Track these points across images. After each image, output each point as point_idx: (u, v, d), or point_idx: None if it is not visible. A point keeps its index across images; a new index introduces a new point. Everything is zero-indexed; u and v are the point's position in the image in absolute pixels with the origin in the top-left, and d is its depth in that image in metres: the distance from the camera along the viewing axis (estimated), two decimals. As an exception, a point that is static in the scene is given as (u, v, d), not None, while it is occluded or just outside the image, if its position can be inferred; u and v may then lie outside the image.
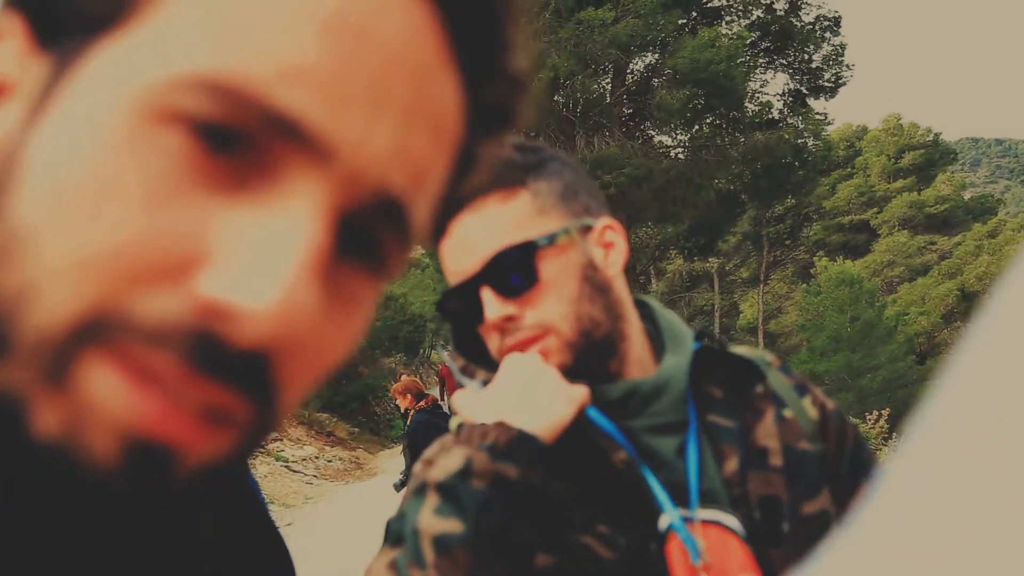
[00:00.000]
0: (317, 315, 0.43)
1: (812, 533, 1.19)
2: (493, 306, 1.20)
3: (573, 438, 1.20)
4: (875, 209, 47.75)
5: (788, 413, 1.29)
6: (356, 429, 24.72)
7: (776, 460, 1.23)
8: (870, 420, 16.88)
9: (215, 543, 0.68)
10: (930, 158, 48.35)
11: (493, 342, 1.25)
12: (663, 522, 1.17)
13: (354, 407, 27.31)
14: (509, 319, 1.20)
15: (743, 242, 43.20)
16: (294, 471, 18.83)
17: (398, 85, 0.44)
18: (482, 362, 1.34)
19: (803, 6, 22.02)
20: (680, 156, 22.36)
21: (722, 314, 44.74)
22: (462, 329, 1.33)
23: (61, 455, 0.39)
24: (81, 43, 0.43)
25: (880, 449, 15.71)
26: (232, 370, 0.41)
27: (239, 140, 0.41)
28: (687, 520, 1.18)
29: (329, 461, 21.47)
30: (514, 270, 1.19)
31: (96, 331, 0.39)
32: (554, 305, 1.20)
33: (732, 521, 1.18)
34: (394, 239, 0.47)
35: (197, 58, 0.41)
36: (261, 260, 0.40)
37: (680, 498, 1.19)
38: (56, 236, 0.39)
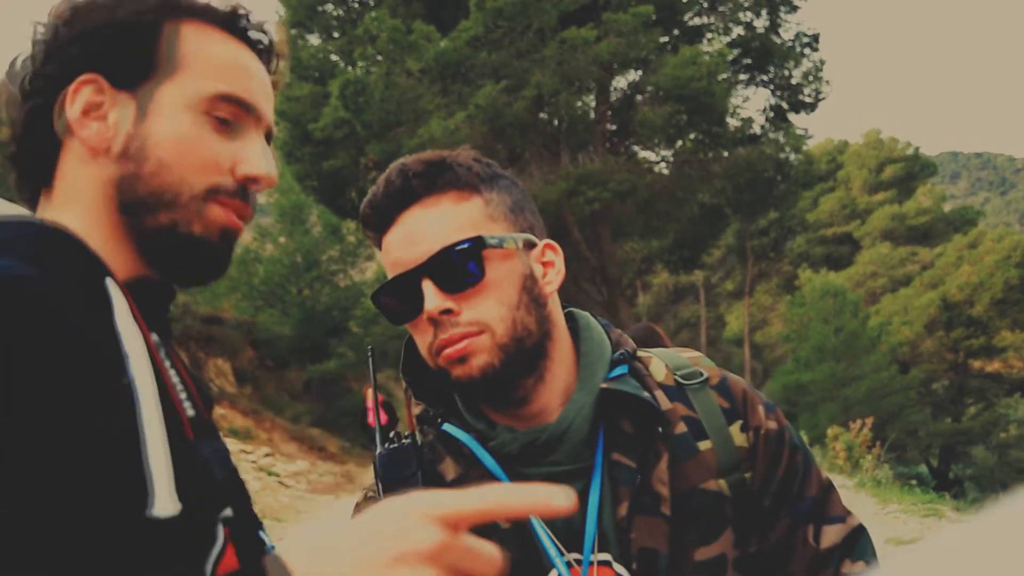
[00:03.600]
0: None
1: None
2: (433, 298, 1.22)
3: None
4: (857, 221, 48.06)
5: (704, 445, 1.28)
6: (347, 443, 24.79)
7: (666, 509, 1.22)
8: (854, 429, 17.04)
9: None
10: (910, 171, 48.69)
11: (424, 338, 1.27)
12: None
13: (345, 422, 27.30)
14: (447, 312, 1.22)
15: (728, 255, 43.48)
16: (286, 486, 18.89)
17: (267, 90, 1.14)
18: (423, 385, 1.37)
19: (782, 24, 22.30)
20: (664, 171, 22.61)
21: (708, 326, 44.97)
22: (409, 347, 1.37)
23: (202, 241, 1.06)
24: (150, 86, 1.06)
25: (864, 457, 15.90)
26: (250, 196, 1.10)
27: (231, 118, 1.08)
28: (580, 564, 1.21)
29: (320, 475, 21.52)
30: (461, 264, 1.22)
31: (207, 195, 1.05)
32: (493, 306, 1.22)
33: (620, 568, 1.21)
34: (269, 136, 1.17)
35: (209, 87, 1.06)
36: (262, 158, 1.10)
37: (576, 544, 1.22)
38: (180, 162, 1.04)
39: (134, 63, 1.05)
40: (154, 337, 0.99)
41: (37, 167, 1.08)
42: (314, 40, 22.20)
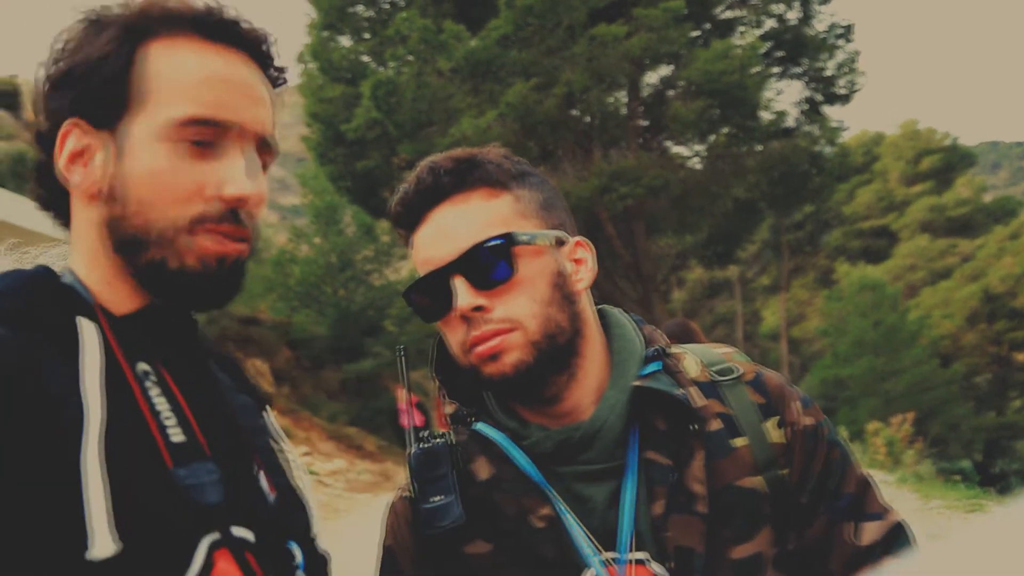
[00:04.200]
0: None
1: None
2: (464, 295, 1.21)
3: (496, 498, 1.25)
4: (895, 214, 47.52)
5: (739, 442, 1.26)
6: (384, 442, 24.93)
7: (701, 507, 1.21)
8: (894, 424, 16.86)
9: None
10: (949, 162, 48.08)
11: (456, 335, 1.26)
12: None
13: (381, 420, 27.46)
14: (478, 309, 1.22)
15: (763, 250, 43.14)
16: (324, 484, 19.04)
17: (253, 94, 1.08)
18: (455, 384, 1.37)
19: (815, 15, 22.07)
20: (697, 166, 22.48)
21: (744, 321, 44.66)
22: (440, 346, 1.37)
23: (198, 273, 1.02)
24: (122, 122, 1.03)
25: (905, 452, 15.71)
26: (242, 221, 1.05)
27: (208, 139, 1.03)
28: (616, 563, 1.20)
29: (358, 474, 21.68)
30: (492, 261, 1.21)
31: (192, 226, 1.01)
32: (525, 303, 1.22)
33: (657, 566, 1.20)
34: (267, 154, 1.12)
35: (175, 112, 1.02)
36: (244, 177, 1.04)
37: (611, 543, 1.21)
38: (158, 197, 1.01)
39: (108, 100, 1.03)
40: (144, 366, 0.99)
41: (57, 213, 1.12)
42: (345, 41, 22.31)
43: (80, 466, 0.82)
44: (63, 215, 1.11)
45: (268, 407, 1.24)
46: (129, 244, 1.03)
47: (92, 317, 0.98)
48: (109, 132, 1.03)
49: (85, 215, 1.06)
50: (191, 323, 1.13)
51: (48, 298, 0.98)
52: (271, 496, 1.08)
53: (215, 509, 0.94)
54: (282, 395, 28.47)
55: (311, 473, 18.88)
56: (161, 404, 0.97)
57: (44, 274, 1.03)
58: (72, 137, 1.04)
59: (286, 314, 31.28)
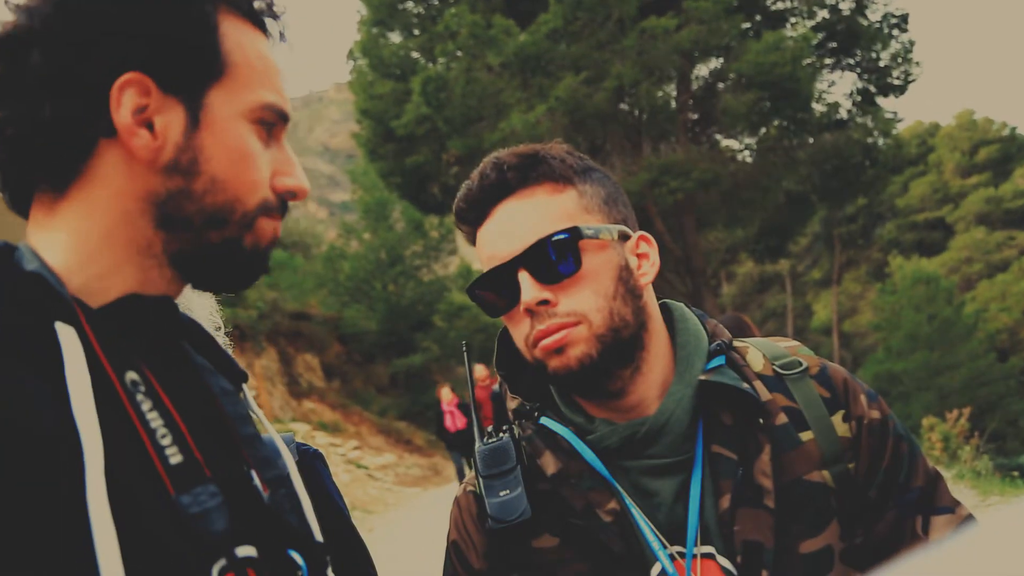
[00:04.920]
0: None
1: (809, 572, 1.19)
2: (530, 289, 1.22)
3: (563, 492, 1.26)
4: (950, 206, 46.68)
5: (806, 436, 1.26)
6: (432, 436, 25.12)
7: (769, 501, 1.20)
8: (950, 419, 16.59)
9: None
10: (1007, 152, 47.11)
11: (521, 329, 1.27)
12: (655, 570, 1.20)
13: (430, 415, 27.67)
14: (544, 303, 1.22)
15: (814, 243, 42.67)
16: (374, 478, 19.23)
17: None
18: (519, 378, 1.39)
19: (869, 5, 21.72)
20: (747, 159, 22.27)
21: (795, 315, 44.19)
22: (504, 341, 1.39)
23: (251, 254, 1.02)
24: (200, 91, 0.96)
25: (961, 448, 15.45)
26: (286, 207, 1.07)
27: (275, 126, 1.04)
28: (683, 557, 1.20)
29: (408, 468, 21.87)
30: (557, 255, 1.21)
31: (259, 210, 1.00)
32: (590, 297, 1.22)
33: (724, 560, 1.19)
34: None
35: (262, 95, 1.00)
36: (300, 171, 1.07)
37: (678, 537, 1.21)
38: (242, 177, 0.98)
39: (186, 64, 0.94)
40: (132, 375, 0.89)
41: (48, 165, 0.94)
42: (395, 38, 22.44)
43: (85, 505, 0.76)
44: (40, 171, 0.95)
45: (245, 384, 1.14)
46: (184, 222, 0.95)
47: (70, 316, 0.86)
48: (177, 98, 0.94)
49: (123, 181, 0.94)
50: (173, 309, 1.04)
51: (15, 295, 0.86)
52: (265, 495, 1.02)
53: (222, 535, 0.88)
54: (332, 389, 28.78)
55: (361, 467, 19.06)
56: (155, 420, 0.88)
57: (2, 258, 0.91)
58: (133, 91, 0.91)
59: (336, 309, 31.61)
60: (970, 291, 39.25)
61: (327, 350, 30.34)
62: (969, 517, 1.27)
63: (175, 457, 0.87)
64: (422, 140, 20.69)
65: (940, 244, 45.87)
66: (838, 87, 49.58)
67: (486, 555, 1.34)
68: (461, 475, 13.87)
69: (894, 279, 34.27)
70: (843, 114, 21.94)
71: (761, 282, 45.11)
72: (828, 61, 21.84)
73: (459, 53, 19.00)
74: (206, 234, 0.97)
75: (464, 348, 1.56)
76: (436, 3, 21.83)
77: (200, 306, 1.81)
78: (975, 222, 45.02)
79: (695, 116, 22.16)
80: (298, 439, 1.77)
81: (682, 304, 1.41)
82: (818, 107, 21.00)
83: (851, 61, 22.09)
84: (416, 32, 22.02)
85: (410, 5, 22.04)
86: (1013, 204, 44.77)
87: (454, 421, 14.94)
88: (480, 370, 13.75)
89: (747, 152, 22.60)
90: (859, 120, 22.05)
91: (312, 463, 1.86)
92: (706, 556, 1.19)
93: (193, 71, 0.95)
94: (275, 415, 22.34)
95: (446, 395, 15.46)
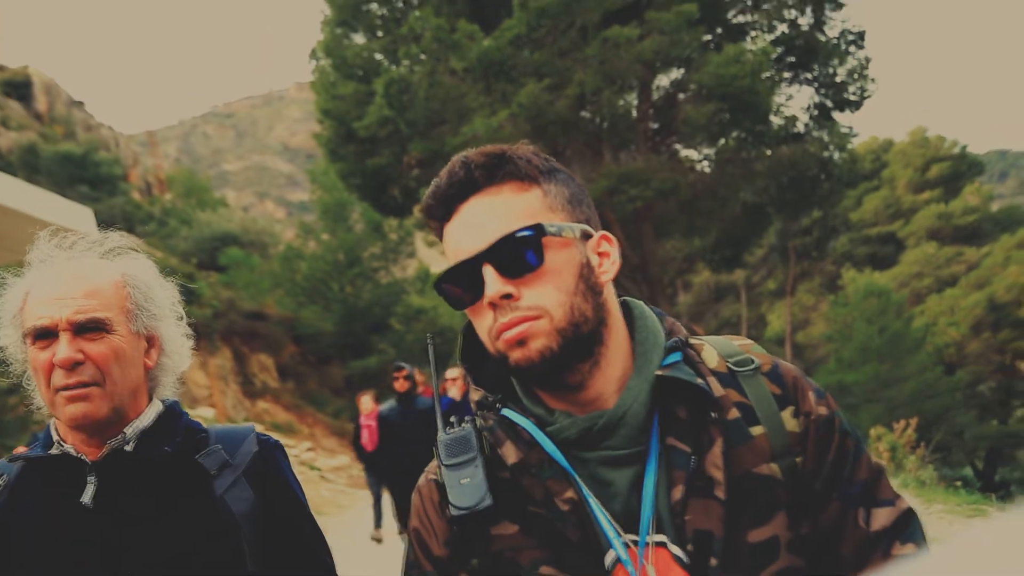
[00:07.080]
0: None
1: (756, 561, 1.23)
2: (494, 283, 1.25)
3: (523, 482, 1.30)
4: (902, 221, 47.43)
5: (757, 431, 1.30)
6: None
7: (720, 492, 1.24)
8: (898, 430, 16.87)
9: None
10: (957, 170, 47.96)
11: (484, 322, 1.30)
12: (610, 558, 1.25)
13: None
14: (507, 297, 1.25)
15: (770, 254, 43.10)
16: (327, 480, 19.12)
17: None
18: (482, 370, 1.43)
19: (827, 21, 22.09)
20: (706, 170, 22.51)
21: (750, 325, 44.64)
22: (468, 334, 1.42)
23: None
24: None
25: (907, 457, 15.74)
26: None
27: None
28: (637, 545, 1.24)
29: (361, 470, 21.72)
30: (521, 251, 1.25)
31: None
32: (552, 292, 1.25)
33: (676, 549, 1.24)
34: None
35: None
36: None
37: (633, 526, 1.26)
38: None
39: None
40: None
41: None
42: (359, 39, 22.37)
43: None
44: None
45: None
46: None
47: None
48: None
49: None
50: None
51: None
52: None
53: None
54: (287, 390, 28.53)
55: (314, 469, 18.91)
56: None
57: None
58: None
59: (293, 309, 31.36)
60: (919, 305, 39.86)
61: (282, 350, 30.11)
62: (908, 510, 1.33)
63: None
64: (384, 142, 20.64)
65: (892, 258, 46.58)
66: (796, 101, 50.23)
67: (447, 542, 1.38)
68: (378, 507, 12.08)
69: (846, 292, 34.74)
70: (800, 128, 22.28)
71: (717, 292, 45.48)
72: (787, 75, 22.18)
73: (423, 56, 18.99)
74: None
75: (428, 341, 1.58)
76: (400, 5, 21.81)
77: (162, 297, 1.83)
78: (926, 237, 45.76)
79: (655, 126, 22.36)
80: None
81: (641, 302, 1.45)
82: (776, 120, 21.31)
83: (809, 76, 22.44)
84: (380, 34, 21.96)
85: (374, 7, 21.98)
86: (962, 220, 45.59)
87: (372, 437, 11.15)
88: (453, 372, 13.23)
89: (706, 162, 22.88)
90: (816, 134, 22.41)
91: (272, 453, 1.90)
92: (659, 544, 1.24)
93: None
94: (228, 415, 22.12)
95: (366, 405, 12.10)
